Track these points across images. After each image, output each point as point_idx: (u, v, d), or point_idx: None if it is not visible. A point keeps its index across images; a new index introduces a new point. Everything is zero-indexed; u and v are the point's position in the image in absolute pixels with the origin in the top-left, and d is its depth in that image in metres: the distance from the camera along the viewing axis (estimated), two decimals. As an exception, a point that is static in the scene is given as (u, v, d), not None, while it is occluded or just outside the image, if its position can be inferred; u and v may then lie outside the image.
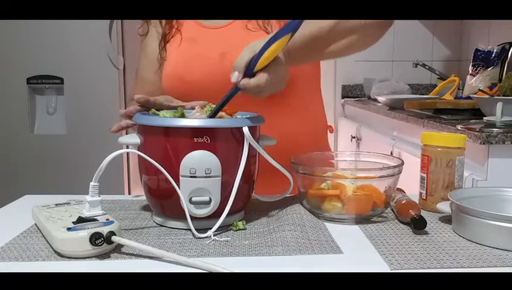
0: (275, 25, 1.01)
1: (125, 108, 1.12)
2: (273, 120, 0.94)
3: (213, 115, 0.80)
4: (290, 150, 0.92)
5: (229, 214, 0.75)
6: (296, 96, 1.05)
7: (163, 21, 1.10)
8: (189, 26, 1.08)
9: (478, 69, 2.35)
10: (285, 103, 1.04)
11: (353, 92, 3.10)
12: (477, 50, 2.39)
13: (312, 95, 1.12)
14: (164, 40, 1.09)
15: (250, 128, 0.76)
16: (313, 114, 1.12)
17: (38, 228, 0.76)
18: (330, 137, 3.13)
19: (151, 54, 1.11)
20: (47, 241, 0.70)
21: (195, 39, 1.06)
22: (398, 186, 0.85)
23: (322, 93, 1.17)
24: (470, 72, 2.40)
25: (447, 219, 0.81)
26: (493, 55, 2.31)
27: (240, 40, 0.90)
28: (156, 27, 1.12)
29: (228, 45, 1.00)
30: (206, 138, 0.73)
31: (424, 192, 0.87)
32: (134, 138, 0.79)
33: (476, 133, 1.36)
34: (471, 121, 1.67)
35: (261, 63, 0.75)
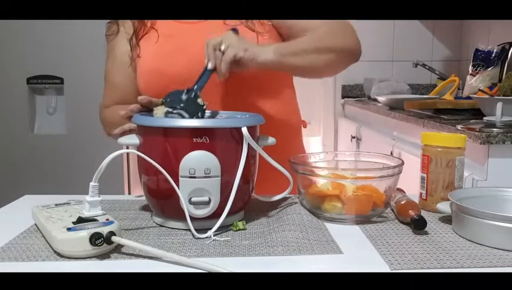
0: (256, 21, 1.02)
1: (100, 115, 1.10)
2: (237, 108, 0.97)
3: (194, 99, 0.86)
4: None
5: (228, 214, 0.75)
6: (262, 86, 1.06)
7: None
8: (166, 23, 1.06)
9: (478, 69, 2.35)
10: (251, 91, 1.05)
11: (353, 92, 3.10)
12: (477, 50, 2.39)
13: (281, 86, 1.12)
14: (136, 37, 1.07)
15: (249, 128, 0.76)
16: (282, 107, 1.10)
17: (38, 228, 0.76)
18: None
19: (120, 55, 1.09)
20: (47, 241, 0.70)
21: (173, 35, 1.05)
22: (398, 186, 0.85)
23: (295, 87, 1.17)
24: (470, 72, 2.40)
25: (447, 219, 0.80)
26: (493, 55, 2.30)
27: (218, 33, 0.91)
28: (124, 27, 1.09)
29: (207, 38, 0.99)
30: (205, 138, 0.73)
31: (424, 192, 0.87)
32: (133, 139, 0.79)
33: (476, 133, 1.36)
34: (471, 121, 1.66)
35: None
